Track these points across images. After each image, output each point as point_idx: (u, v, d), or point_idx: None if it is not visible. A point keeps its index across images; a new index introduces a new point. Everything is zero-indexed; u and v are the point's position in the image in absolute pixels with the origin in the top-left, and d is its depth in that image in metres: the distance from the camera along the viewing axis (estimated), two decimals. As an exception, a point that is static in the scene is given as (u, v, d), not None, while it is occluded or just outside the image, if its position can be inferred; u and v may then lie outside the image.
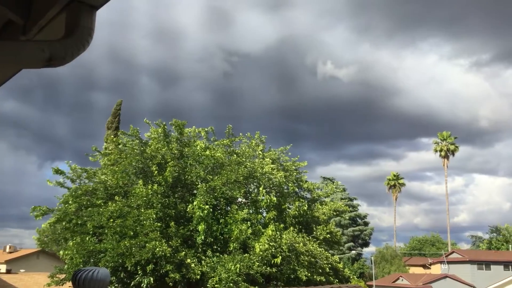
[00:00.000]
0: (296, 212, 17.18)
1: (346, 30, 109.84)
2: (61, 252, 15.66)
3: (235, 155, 17.42)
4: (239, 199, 17.31)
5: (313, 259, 16.04)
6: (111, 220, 14.71)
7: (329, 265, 16.85)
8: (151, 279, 13.67)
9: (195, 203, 15.07)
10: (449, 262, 61.51)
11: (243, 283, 13.78)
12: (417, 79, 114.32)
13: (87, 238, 14.74)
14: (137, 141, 17.70)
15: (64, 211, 16.02)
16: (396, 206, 78.22)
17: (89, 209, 15.65)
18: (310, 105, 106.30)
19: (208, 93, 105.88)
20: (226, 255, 14.71)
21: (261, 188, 16.30)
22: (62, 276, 16.29)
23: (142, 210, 14.76)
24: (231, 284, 13.51)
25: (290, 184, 17.80)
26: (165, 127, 17.64)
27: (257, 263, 14.12)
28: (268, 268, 14.33)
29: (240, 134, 19.18)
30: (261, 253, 14.15)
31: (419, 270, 65.81)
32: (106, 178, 16.67)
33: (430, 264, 66.35)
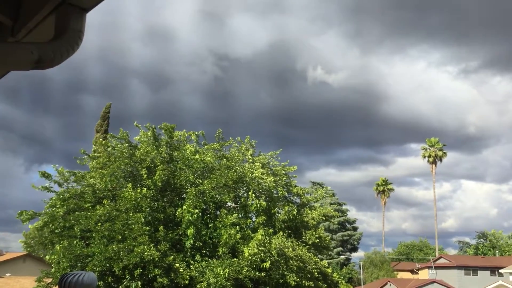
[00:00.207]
0: (286, 217, 17.17)
1: (336, 35, 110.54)
2: (47, 257, 15.49)
3: (225, 159, 17.39)
4: (229, 204, 17.27)
5: (302, 264, 16.03)
6: (99, 224, 14.58)
7: (318, 270, 16.85)
8: (139, 283, 13.56)
9: (184, 207, 15.00)
10: (436, 267, 61.88)
11: (231, 287, 13.73)
12: (406, 86, 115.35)
13: (75, 242, 14.59)
14: (126, 144, 17.60)
15: (52, 215, 15.84)
16: (385, 211, 78.67)
17: (77, 212, 15.50)
18: (300, 110, 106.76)
19: (199, 96, 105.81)
20: (215, 260, 14.65)
21: (250, 193, 16.28)
22: (49, 280, 16.10)
23: (131, 214, 14.65)
24: (219, 289, 13.45)
25: (279, 189, 17.81)
26: (155, 130, 17.57)
27: (246, 268, 14.08)
28: (257, 273, 14.30)
29: (230, 138, 19.19)
30: (250, 257, 14.11)
31: (407, 275, 66.09)
32: (94, 182, 16.54)
33: (418, 269, 66.70)
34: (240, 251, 14.70)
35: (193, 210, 14.70)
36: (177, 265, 14.07)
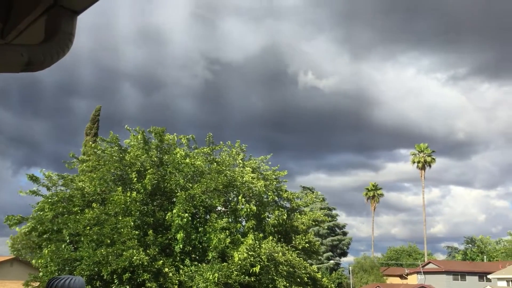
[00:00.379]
0: (276, 222, 17.16)
1: (327, 41, 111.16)
2: (33, 261, 15.33)
3: (215, 163, 17.36)
4: (219, 208, 17.23)
5: (291, 269, 16.02)
6: (88, 227, 14.46)
7: (308, 275, 16.84)
8: (128, 288, 13.47)
9: (174, 211, 14.94)
10: (425, 273, 62.18)
11: (221, 292, 13.69)
12: (396, 92, 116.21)
13: (63, 246, 14.46)
14: (116, 147, 17.50)
15: (40, 218, 15.68)
16: (374, 216, 79.00)
17: (66, 215, 15.37)
18: (291, 115, 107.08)
19: (190, 100, 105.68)
20: (204, 264, 14.59)
21: (240, 197, 16.26)
22: (36, 284, 15.93)
23: (120, 218, 14.55)
24: (209, 294, 13.40)
25: (270, 193, 17.80)
26: (144, 134, 17.49)
27: (236, 272, 14.04)
28: (247, 277, 14.27)
29: (221, 142, 19.16)
30: (239, 262, 14.08)
31: (396, 280, 66.35)
32: (83, 185, 16.41)
33: (407, 274, 66.99)
34: (230, 256, 14.66)
35: (183, 214, 14.64)
36: (166, 269, 13.99)
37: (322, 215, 21.67)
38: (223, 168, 16.86)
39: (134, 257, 13.24)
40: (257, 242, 15.10)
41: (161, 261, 14.08)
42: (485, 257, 73.92)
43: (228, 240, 14.71)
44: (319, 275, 18.34)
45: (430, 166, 71.93)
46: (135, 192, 15.34)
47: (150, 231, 14.59)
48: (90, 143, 21.20)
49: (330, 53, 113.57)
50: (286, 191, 19.66)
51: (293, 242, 18.22)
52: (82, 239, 14.35)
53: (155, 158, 17.17)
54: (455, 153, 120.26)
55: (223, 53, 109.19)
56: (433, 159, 71.75)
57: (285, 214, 17.67)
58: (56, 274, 13.62)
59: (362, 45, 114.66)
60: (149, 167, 16.30)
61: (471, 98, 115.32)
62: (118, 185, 16.32)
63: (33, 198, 16.76)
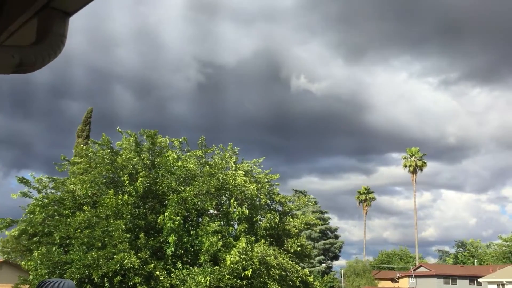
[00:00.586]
0: (268, 225, 17.16)
1: (320, 45, 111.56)
2: (23, 263, 15.18)
3: (207, 166, 17.32)
4: (211, 211, 17.19)
5: (283, 272, 16.01)
6: (79, 230, 14.37)
7: (300, 278, 16.84)
8: (119, 291, 13.39)
9: (166, 214, 14.88)
10: (416, 276, 62.42)
11: (212, 296, 13.64)
12: (388, 96, 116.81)
13: (53, 249, 14.34)
14: (108, 150, 17.40)
15: (30, 221, 15.55)
16: (366, 220, 79.26)
17: (56, 217, 15.26)
18: (284, 118, 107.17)
19: (183, 103, 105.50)
20: (196, 267, 14.54)
21: (232, 200, 16.23)
22: (26, 287, 15.79)
23: (111, 221, 14.47)
24: (200, 297, 13.35)
25: (262, 197, 17.79)
26: (136, 136, 17.43)
27: (228, 276, 14.01)
28: (239, 281, 14.23)
29: (213, 145, 19.14)
30: (232, 265, 14.05)
31: (388, 284, 66.55)
32: (74, 188, 16.29)
33: (398, 278, 67.22)
34: (222, 259, 14.62)
35: (174, 217, 14.59)
36: (158, 273, 13.92)
37: (314, 219, 21.67)
38: (216, 171, 16.83)
39: (125, 260, 13.16)
40: (249, 245, 15.08)
41: (153, 264, 14.01)
42: (475, 260, 74.36)
43: (220, 243, 14.68)
44: (311, 279, 18.35)
45: (421, 170, 72.32)
46: (126, 195, 15.26)
47: (142, 234, 14.51)
48: (82, 145, 21.06)
49: (323, 57, 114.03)
50: (278, 194, 19.66)
51: (285, 245, 18.22)
52: (72, 242, 14.24)
53: (147, 161, 17.11)
54: (446, 157, 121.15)
55: (216, 56, 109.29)
56: (424, 163, 72.15)
57: (277, 218, 17.67)
58: (46, 277, 13.50)
59: (355, 49, 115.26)
60: (141, 170, 16.23)
61: (462, 102, 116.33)
62: (110, 187, 16.23)
63: (23, 200, 16.63)
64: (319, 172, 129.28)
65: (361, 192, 77.62)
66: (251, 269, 14.48)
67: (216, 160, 18.18)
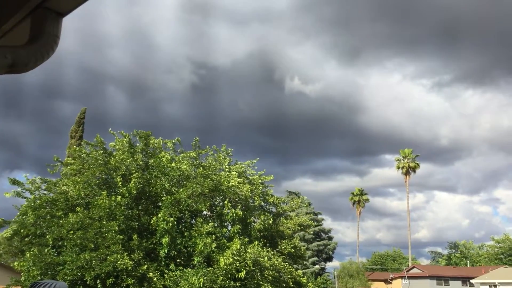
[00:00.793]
0: (261, 226, 17.16)
1: (314, 46, 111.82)
2: (15, 263, 15.07)
3: (201, 167, 17.29)
4: (204, 212, 17.16)
5: (277, 274, 16.01)
6: (71, 232, 14.29)
7: (293, 280, 16.85)
8: (111, 293, 13.32)
9: (159, 215, 14.84)
10: (409, 277, 62.66)
11: (206, 297, 13.61)
12: (382, 97, 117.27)
13: (46, 250, 14.26)
14: (101, 151, 17.32)
15: (22, 222, 15.45)
16: (360, 221, 79.49)
17: (48, 217, 15.17)
18: (277, 120, 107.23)
19: (176, 104, 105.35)
20: (189, 269, 14.51)
21: (226, 202, 16.22)
22: (18, 288, 15.68)
23: (104, 222, 14.41)
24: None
25: (256, 198, 17.79)
26: (130, 137, 17.37)
27: (221, 277, 13.99)
28: (232, 282, 14.21)
29: (207, 146, 19.11)
30: (225, 267, 14.03)
31: (381, 285, 66.73)
32: (67, 189, 16.21)
33: (392, 279, 67.42)
34: (216, 260, 14.60)
35: (168, 219, 14.55)
36: (151, 274, 13.88)
37: (307, 220, 21.71)
38: (209, 172, 16.81)
39: (118, 262, 13.11)
40: (242, 247, 15.07)
41: (146, 265, 13.96)
42: (468, 262, 74.76)
43: (214, 244, 14.66)
44: (304, 280, 18.36)
45: (414, 171, 72.61)
46: (120, 196, 15.21)
47: (135, 236, 14.46)
48: (75, 146, 20.93)
49: (317, 58, 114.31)
50: (272, 195, 19.66)
51: (279, 246, 18.23)
52: (65, 243, 14.17)
53: (141, 162, 17.05)
54: (439, 159, 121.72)
55: (210, 58, 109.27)
56: (417, 164, 72.46)
57: (271, 219, 17.67)
58: (39, 278, 13.43)
59: (348, 51, 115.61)
60: (134, 171, 16.18)
61: (455, 104, 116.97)
62: (103, 189, 16.16)
63: (16, 200, 16.54)
64: (312, 173, 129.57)
65: (355, 193, 77.82)
66: (244, 271, 14.47)
67: (210, 161, 18.16)
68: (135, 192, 15.50)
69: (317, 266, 63.10)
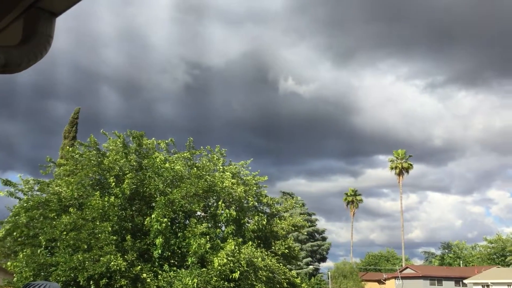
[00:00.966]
0: (255, 227, 17.15)
1: (308, 47, 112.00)
2: (8, 263, 14.97)
3: (195, 168, 17.27)
4: (198, 213, 17.13)
5: (271, 274, 16.01)
6: (64, 232, 14.22)
7: (287, 280, 16.86)
8: (105, 294, 13.27)
9: (153, 216, 14.80)
10: (403, 278, 62.88)
11: (200, 298, 13.59)
12: (376, 98, 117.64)
13: (39, 251, 14.18)
14: (95, 151, 17.24)
15: (15, 223, 15.35)
16: (353, 222, 79.60)
17: (41, 219, 15.08)
18: (271, 120, 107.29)
19: (170, 104, 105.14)
20: (183, 270, 14.48)
21: (220, 202, 16.20)
22: (10, 290, 15.58)
23: (98, 223, 14.35)
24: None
25: (249, 199, 17.78)
26: (123, 138, 17.31)
27: (215, 278, 13.97)
28: (226, 283, 14.20)
29: (201, 147, 19.08)
30: (219, 267, 14.01)
31: (375, 286, 66.91)
32: (60, 189, 16.12)
33: (385, 279, 67.63)
34: (209, 261, 14.58)
35: (162, 219, 14.52)
36: (145, 275, 13.84)
37: (301, 221, 21.73)
38: (203, 173, 16.78)
39: (112, 263, 13.06)
40: (236, 247, 15.07)
41: (139, 266, 13.92)
42: (461, 262, 75.14)
43: (208, 245, 14.64)
44: (298, 281, 18.38)
45: (407, 172, 72.87)
46: (113, 196, 15.15)
47: (128, 236, 14.42)
48: (68, 147, 20.82)
49: (311, 59, 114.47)
50: (266, 196, 19.66)
51: (273, 247, 18.23)
52: (58, 244, 14.09)
53: (134, 163, 17.00)
54: (432, 160, 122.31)
55: (204, 58, 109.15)
56: (411, 165, 72.74)
57: (265, 220, 17.67)
58: (31, 279, 13.34)
59: (342, 52, 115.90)
60: (128, 172, 16.12)
61: (448, 105, 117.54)
62: (96, 189, 16.10)
63: (9, 200, 16.42)
64: (306, 174, 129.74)
65: (349, 194, 78.00)
66: (238, 271, 14.46)
67: (204, 162, 18.13)
68: (128, 193, 15.45)
69: (311, 267, 63.16)
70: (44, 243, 14.38)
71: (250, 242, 16.06)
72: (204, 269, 14.22)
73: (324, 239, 69.37)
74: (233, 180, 17.00)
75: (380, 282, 68.03)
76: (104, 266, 13.03)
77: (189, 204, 15.64)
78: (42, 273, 13.70)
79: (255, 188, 18.73)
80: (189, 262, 14.52)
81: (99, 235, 13.94)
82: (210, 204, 17.62)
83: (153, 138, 18.54)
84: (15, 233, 15.31)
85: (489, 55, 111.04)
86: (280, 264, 17.09)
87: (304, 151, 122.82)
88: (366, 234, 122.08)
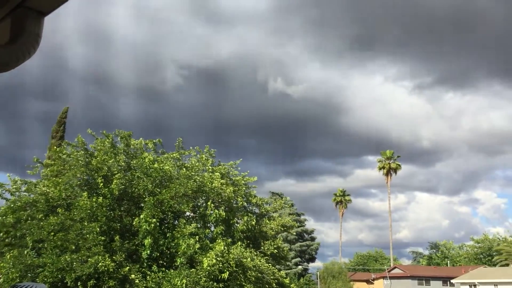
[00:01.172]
0: (244, 227, 17.16)
1: (297, 48, 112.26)
2: None
3: (184, 168, 17.22)
4: (187, 213, 17.09)
5: (260, 275, 16.03)
6: (52, 233, 14.10)
7: (276, 281, 16.89)
8: (93, 295, 13.18)
9: (141, 216, 14.74)
10: (391, 278, 63.31)
11: (188, 299, 13.56)
12: (364, 99, 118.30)
13: (25, 252, 14.04)
14: (82, 152, 17.10)
15: (1, 223, 15.19)
16: (342, 222, 79.90)
17: (28, 221, 14.93)
18: (261, 121, 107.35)
19: (158, 105, 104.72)
20: (172, 270, 14.44)
21: (209, 203, 16.18)
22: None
23: (86, 224, 14.25)
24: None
25: (239, 199, 17.78)
26: (112, 137, 17.22)
27: (204, 279, 13.95)
28: (215, 284, 14.19)
29: (191, 148, 19.04)
30: (208, 268, 13.99)
31: (363, 286, 67.25)
32: (47, 190, 15.97)
33: (374, 279, 68.02)
34: (199, 262, 14.55)
35: (150, 220, 14.46)
36: (133, 276, 13.77)
37: (290, 221, 21.79)
38: (192, 173, 16.75)
39: (100, 264, 12.98)
40: (225, 247, 15.06)
41: (128, 267, 13.85)
42: (448, 262, 75.84)
43: (197, 245, 14.61)
44: (287, 281, 18.42)
45: (396, 172, 73.38)
46: (101, 197, 15.06)
47: (117, 237, 14.34)
48: (55, 147, 20.62)
49: (300, 60, 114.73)
50: (255, 196, 19.67)
51: (262, 247, 18.25)
52: (45, 245, 13.97)
53: (123, 163, 16.91)
54: (420, 160, 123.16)
55: (193, 58, 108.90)
56: (399, 165, 73.23)
57: (254, 220, 17.69)
58: (18, 281, 13.20)
59: (331, 53, 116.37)
60: (116, 172, 16.03)
61: (436, 106, 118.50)
62: (84, 190, 15.98)
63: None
64: (296, 174, 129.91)
65: (337, 194, 78.28)
66: (227, 272, 14.45)
67: (193, 162, 18.08)
68: (117, 193, 15.37)
69: (300, 267, 63.29)
70: (31, 244, 14.25)
71: (239, 243, 16.06)
72: (193, 269, 14.19)
73: (313, 239, 69.54)
74: (222, 181, 16.99)
75: (368, 282, 68.40)
76: (92, 267, 12.95)
77: (178, 204, 15.60)
78: (29, 274, 13.56)
79: (244, 188, 18.73)
80: (178, 263, 14.48)
81: (87, 235, 13.85)
82: (199, 204, 17.59)
83: (141, 138, 18.46)
84: (1, 234, 15.15)
85: (476, 57, 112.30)
86: (269, 264, 17.11)
87: (293, 151, 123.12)
88: (354, 234, 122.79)
